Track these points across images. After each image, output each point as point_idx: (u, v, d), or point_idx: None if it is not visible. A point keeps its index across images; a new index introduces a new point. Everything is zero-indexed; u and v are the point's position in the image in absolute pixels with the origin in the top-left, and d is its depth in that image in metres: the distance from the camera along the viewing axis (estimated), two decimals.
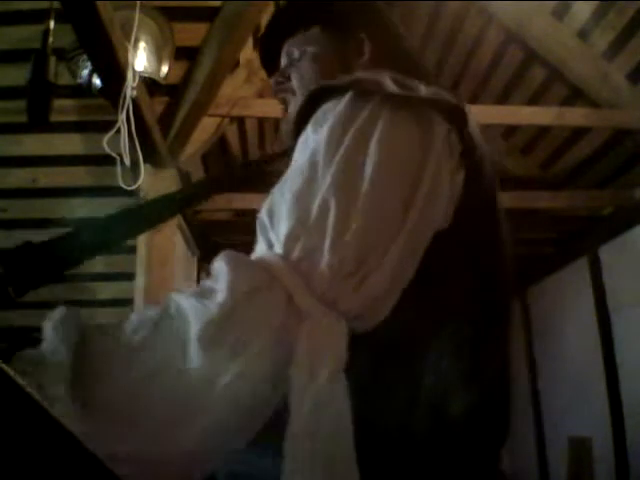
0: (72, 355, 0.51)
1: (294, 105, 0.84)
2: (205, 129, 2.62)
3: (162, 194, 0.88)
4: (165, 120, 2.38)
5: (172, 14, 2.16)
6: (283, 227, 0.57)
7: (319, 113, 0.64)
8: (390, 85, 0.63)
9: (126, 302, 2.42)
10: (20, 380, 0.36)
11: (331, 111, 0.63)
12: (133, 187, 2.00)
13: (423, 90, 0.65)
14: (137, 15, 1.84)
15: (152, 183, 2.40)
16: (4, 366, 0.36)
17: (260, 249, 0.60)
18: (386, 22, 0.86)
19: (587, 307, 3.65)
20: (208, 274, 0.58)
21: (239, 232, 3.60)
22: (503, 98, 3.61)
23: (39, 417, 0.37)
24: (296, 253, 0.55)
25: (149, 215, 0.85)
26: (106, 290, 2.49)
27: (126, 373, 0.52)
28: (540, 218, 3.75)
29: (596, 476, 2.28)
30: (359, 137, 0.59)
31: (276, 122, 3.94)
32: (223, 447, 0.53)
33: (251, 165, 0.97)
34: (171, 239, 2.48)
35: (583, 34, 2.86)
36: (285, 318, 0.54)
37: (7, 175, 2.54)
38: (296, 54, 0.86)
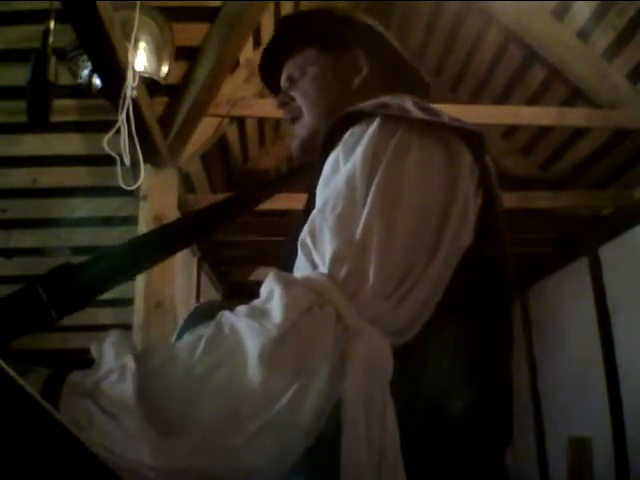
0: (136, 371, 0.54)
1: (302, 125, 0.89)
2: (205, 129, 2.62)
3: (191, 215, 0.91)
4: (165, 120, 2.38)
5: (172, 14, 2.16)
6: (328, 249, 0.60)
7: (348, 136, 0.67)
8: (415, 110, 0.68)
9: (126, 302, 2.42)
10: (21, 380, 0.36)
11: (360, 135, 0.66)
12: (133, 187, 2.00)
13: (444, 116, 0.70)
14: (137, 15, 1.84)
15: (152, 183, 2.41)
16: (4, 366, 0.36)
17: (304, 269, 0.63)
18: (381, 37, 0.90)
19: (587, 307, 3.65)
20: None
21: (239, 232, 3.60)
22: (503, 98, 3.61)
23: (40, 417, 0.37)
24: (342, 274, 0.58)
25: (181, 235, 0.89)
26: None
27: (185, 391, 0.54)
28: (540, 218, 3.76)
29: (596, 476, 2.29)
30: (393, 162, 0.63)
31: (276, 122, 3.94)
32: (284, 464, 0.55)
33: (266, 186, 1.02)
34: None
35: (583, 34, 2.86)
36: (336, 336, 0.56)
37: (7, 175, 2.54)
38: (296, 75, 0.90)
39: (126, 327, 2.30)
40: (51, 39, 1.64)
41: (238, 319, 0.56)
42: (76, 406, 0.51)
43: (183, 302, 3.02)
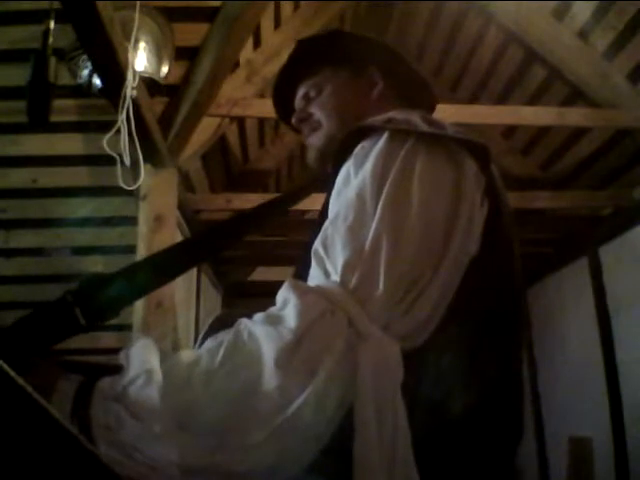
0: (162, 375, 0.57)
1: (320, 133, 0.92)
2: (205, 129, 2.62)
3: (212, 228, 0.94)
4: (165, 120, 2.38)
5: (172, 14, 2.16)
6: (340, 258, 0.64)
7: (359, 150, 0.71)
8: (421, 124, 0.71)
9: None
10: (21, 380, 0.36)
11: (370, 148, 0.70)
12: (133, 187, 2.00)
13: (450, 128, 0.73)
14: (137, 15, 1.84)
15: (152, 183, 2.40)
16: (4, 366, 0.36)
17: (317, 278, 0.66)
18: (394, 54, 0.93)
19: (587, 307, 3.65)
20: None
21: (238, 232, 3.59)
22: (503, 98, 3.61)
23: (40, 417, 0.37)
24: (353, 281, 0.62)
25: (202, 249, 0.94)
26: None
27: (208, 393, 0.57)
28: (540, 218, 3.76)
29: (596, 476, 2.28)
30: (401, 174, 0.67)
31: (276, 122, 3.94)
32: (299, 463, 0.58)
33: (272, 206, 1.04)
34: (171, 239, 2.48)
35: (583, 34, 2.86)
36: (348, 341, 0.59)
37: (7, 175, 2.55)
38: (313, 93, 0.93)
39: (126, 327, 2.30)
40: (51, 39, 1.64)
41: (255, 326, 0.60)
42: (106, 410, 0.55)
43: (183, 302, 3.02)
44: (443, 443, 0.66)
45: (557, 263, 4.17)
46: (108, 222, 2.53)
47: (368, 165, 0.68)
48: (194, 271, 3.65)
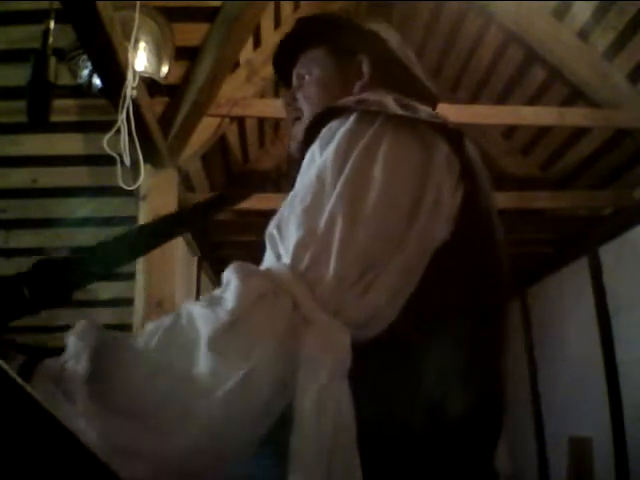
0: (91, 361, 0.55)
1: (301, 125, 0.90)
2: (205, 129, 2.62)
3: (166, 215, 0.92)
4: (165, 120, 2.38)
5: (172, 14, 2.16)
6: (292, 239, 0.61)
7: (326, 131, 0.68)
8: (393, 106, 0.68)
9: (126, 302, 2.42)
10: (20, 380, 0.36)
11: (337, 129, 0.67)
12: (133, 187, 2.00)
13: (424, 112, 0.70)
14: (137, 15, 1.84)
15: (152, 183, 2.40)
16: (4, 365, 0.36)
17: (269, 261, 0.63)
18: (384, 45, 0.90)
19: (587, 307, 3.65)
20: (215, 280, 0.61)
21: (239, 232, 3.60)
22: (503, 98, 3.61)
23: (40, 417, 0.37)
24: (304, 263, 0.59)
25: (156, 233, 0.89)
26: (106, 290, 2.49)
27: (139, 375, 0.55)
28: (540, 218, 3.76)
29: (596, 476, 2.28)
30: (365, 154, 0.64)
31: (276, 122, 3.94)
32: (229, 449, 0.55)
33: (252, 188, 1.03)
34: None
35: (583, 34, 2.86)
36: (290, 324, 0.56)
37: (7, 175, 2.54)
38: (303, 73, 0.92)
39: (126, 327, 2.30)
40: (51, 39, 1.64)
41: (195, 309, 0.58)
42: (42, 390, 0.53)
43: (183, 302, 3.02)
44: (402, 444, 0.63)
45: (557, 263, 4.17)
46: (108, 222, 2.53)
47: (332, 146, 0.65)
48: (194, 271, 3.65)
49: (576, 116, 2.91)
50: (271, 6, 2.82)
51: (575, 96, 3.13)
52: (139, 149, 1.96)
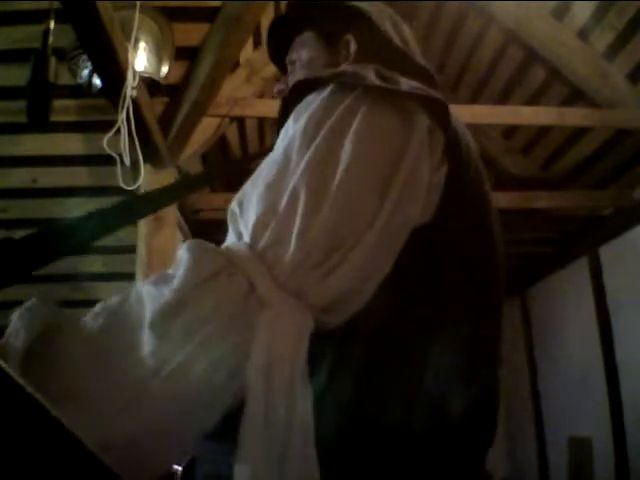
0: (31, 337, 0.51)
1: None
2: (205, 129, 2.62)
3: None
4: (165, 120, 2.38)
5: (172, 14, 2.16)
6: (252, 215, 0.57)
7: (301, 104, 0.64)
8: (372, 78, 0.63)
9: None
10: (20, 379, 0.36)
11: (312, 102, 0.62)
12: (133, 187, 2.00)
13: (405, 84, 0.65)
14: (137, 15, 1.84)
15: (152, 183, 2.40)
16: (4, 365, 0.36)
17: (230, 239, 0.60)
18: (369, 23, 0.86)
19: (587, 307, 3.65)
20: None
21: None
22: (503, 98, 3.61)
23: (39, 417, 0.37)
24: (263, 242, 0.55)
25: (145, 204, 0.85)
26: (106, 290, 2.49)
27: (80, 357, 0.51)
28: (540, 218, 3.76)
29: (596, 476, 2.29)
30: (336, 127, 0.59)
31: (276, 122, 3.94)
32: (180, 433, 0.52)
33: (243, 160, 0.99)
34: (171, 239, 2.48)
35: (583, 34, 2.86)
36: (245, 306, 0.52)
37: (7, 175, 2.55)
38: (293, 59, 0.89)
39: None
40: (51, 39, 1.64)
41: (144, 287, 0.54)
42: None
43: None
44: (378, 440, 0.59)
45: (557, 263, 4.17)
46: None
47: (303, 118, 0.60)
48: None
49: (576, 116, 2.91)
50: (271, 6, 2.82)
51: (575, 96, 3.13)
52: (139, 149, 1.96)
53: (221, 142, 3.26)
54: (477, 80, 3.72)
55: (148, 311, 0.52)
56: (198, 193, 3.29)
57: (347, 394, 0.56)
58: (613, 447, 3.26)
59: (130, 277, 2.36)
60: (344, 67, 0.68)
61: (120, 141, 1.83)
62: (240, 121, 3.27)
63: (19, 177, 2.55)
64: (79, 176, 2.56)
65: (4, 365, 0.35)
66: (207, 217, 3.39)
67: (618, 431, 3.27)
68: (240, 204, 0.60)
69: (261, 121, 3.70)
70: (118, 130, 1.81)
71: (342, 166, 0.57)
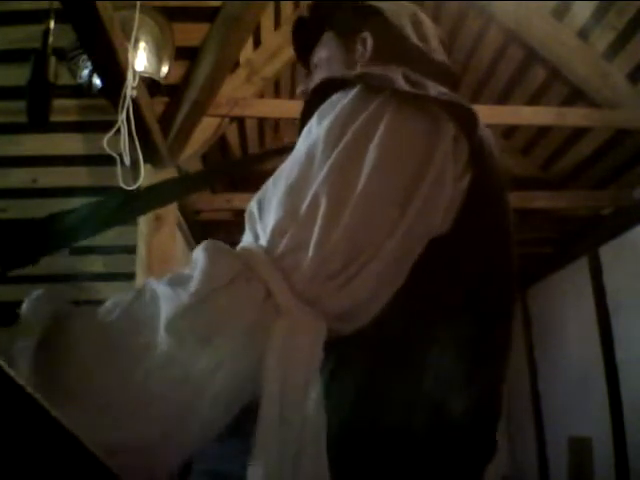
0: (43, 328, 0.50)
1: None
2: (205, 129, 2.62)
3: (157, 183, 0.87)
4: (165, 120, 2.38)
5: (172, 14, 2.16)
6: (271, 219, 0.56)
7: (326, 105, 0.63)
8: (400, 82, 0.62)
9: None
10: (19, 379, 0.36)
11: (338, 103, 0.61)
12: (133, 187, 2.00)
13: (433, 89, 0.63)
14: (137, 15, 1.84)
15: (152, 183, 2.40)
16: (4, 366, 0.36)
17: (246, 240, 0.59)
18: (385, 21, 0.85)
19: (587, 307, 3.65)
20: None
21: (239, 232, 3.59)
22: (503, 98, 3.61)
23: (38, 416, 0.37)
24: (281, 248, 0.54)
25: (145, 201, 0.85)
26: (106, 290, 2.49)
27: (93, 355, 0.51)
28: (540, 218, 3.75)
29: (596, 476, 2.28)
30: (361, 132, 0.58)
31: (276, 122, 3.94)
32: (189, 436, 0.51)
33: (248, 160, 0.98)
34: (171, 239, 2.48)
35: (583, 34, 2.86)
36: (261, 313, 0.52)
37: (7, 175, 2.54)
38: (315, 61, 0.89)
39: None
40: (51, 39, 1.64)
41: (159, 286, 0.54)
42: None
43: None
44: (388, 443, 0.59)
45: (557, 263, 4.17)
46: None
47: (327, 120, 0.59)
48: None
49: (576, 116, 2.91)
50: (271, 6, 2.82)
51: (575, 96, 3.13)
52: (139, 149, 1.96)
53: (221, 142, 3.25)
54: (477, 80, 3.72)
55: (163, 311, 0.51)
56: (198, 194, 3.29)
57: (349, 395, 0.57)
58: (613, 447, 3.26)
59: (130, 277, 2.36)
60: (370, 69, 0.67)
61: (120, 141, 1.83)
62: (240, 121, 3.27)
63: (19, 177, 2.55)
64: (79, 176, 2.56)
65: (4, 365, 0.35)
66: (207, 218, 3.39)
67: (618, 431, 3.27)
68: (260, 204, 0.60)
69: (261, 121, 3.69)
70: (118, 130, 1.81)
71: (365, 174, 0.56)
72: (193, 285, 0.51)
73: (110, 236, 2.51)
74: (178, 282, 0.53)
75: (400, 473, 0.60)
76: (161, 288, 0.53)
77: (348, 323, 0.56)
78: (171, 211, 2.48)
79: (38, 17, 1.81)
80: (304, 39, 0.94)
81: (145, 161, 2.03)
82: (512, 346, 0.72)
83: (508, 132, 3.83)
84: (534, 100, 3.40)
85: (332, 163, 0.56)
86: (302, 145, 0.61)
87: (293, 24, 0.97)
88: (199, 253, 0.54)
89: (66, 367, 0.50)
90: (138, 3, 1.86)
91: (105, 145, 1.78)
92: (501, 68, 3.49)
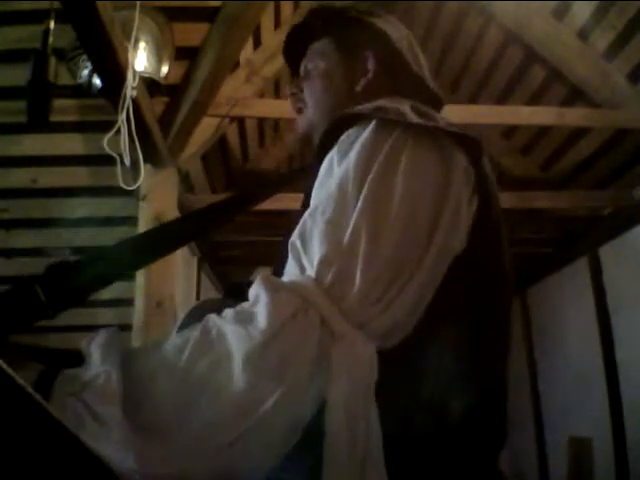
0: (121, 376, 0.54)
1: (304, 118, 0.91)
2: (205, 129, 2.62)
3: (190, 215, 0.92)
4: (165, 120, 2.38)
5: (172, 14, 2.16)
6: (317, 253, 0.61)
7: (344, 138, 0.68)
8: (411, 114, 0.68)
9: (126, 302, 2.41)
10: (21, 381, 0.36)
11: (356, 138, 0.67)
12: (133, 187, 2.00)
13: (442, 120, 0.70)
14: (137, 15, 1.84)
15: (152, 183, 2.41)
16: (4, 365, 0.36)
17: (292, 272, 0.63)
18: (389, 43, 0.89)
19: (587, 307, 3.64)
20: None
21: (239, 232, 3.60)
22: (503, 98, 3.61)
23: (40, 417, 0.37)
24: (329, 278, 0.59)
25: (178, 235, 0.92)
26: (106, 290, 2.49)
27: (172, 394, 0.54)
28: (540, 218, 3.76)
29: (596, 476, 2.28)
30: (385, 166, 0.64)
31: (276, 122, 3.94)
32: (267, 464, 0.56)
33: (267, 187, 1.05)
34: None
35: (583, 34, 2.86)
36: (320, 341, 0.57)
37: (7, 175, 2.54)
38: (310, 66, 0.92)
39: (126, 327, 2.30)
40: (51, 39, 1.64)
41: (225, 324, 0.57)
42: (66, 406, 0.52)
43: (183, 302, 3.02)
44: (424, 446, 0.64)
45: (557, 263, 4.17)
46: (108, 222, 2.53)
47: (352, 155, 0.65)
48: (194, 271, 3.65)
49: (576, 116, 2.91)
50: (271, 6, 2.82)
51: (575, 96, 3.13)
52: (139, 149, 1.96)
53: (221, 142, 3.26)
54: (477, 80, 3.72)
55: (236, 349, 0.55)
56: (198, 194, 3.29)
57: (386, 408, 0.59)
58: (613, 447, 3.26)
59: (130, 278, 2.36)
60: (382, 102, 0.72)
61: (120, 141, 1.83)
62: (240, 121, 3.27)
63: (19, 177, 2.55)
64: (79, 176, 2.56)
65: (4, 366, 0.35)
66: None
67: (618, 431, 3.27)
68: (302, 238, 0.64)
69: (261, 121, 3.70)
70: (118, 130, 1.81)
71: (395, 205, 0.62)
72: (262, 322, 0.56)
73: (110, 236, 2.51)
74: (244, 319, 0.57)
75: (425, 468, 0.65)
76: (228, 326, 0.57)
77: (388, 340, 0.61)
78: (171, 211, 2.48)
79: (38, 17, 1.81)
80: (298, 42, 0.97)
81: (145, 161, 2.03)
82: (511, 343, 0.78)
83: (508, 132, 3.83)
84: (534, 100, 3.40)
85: (365, 195, 0.62)
86: (329, 179, 0.67)
87: (291, 27, 0.99)
88: (258, 289, 0.59)
89: (147, 412, 0.53)
90: (138, 3, 1.86)
91: (105, 145, 1.78)
92: (501, 68, 3.49)
